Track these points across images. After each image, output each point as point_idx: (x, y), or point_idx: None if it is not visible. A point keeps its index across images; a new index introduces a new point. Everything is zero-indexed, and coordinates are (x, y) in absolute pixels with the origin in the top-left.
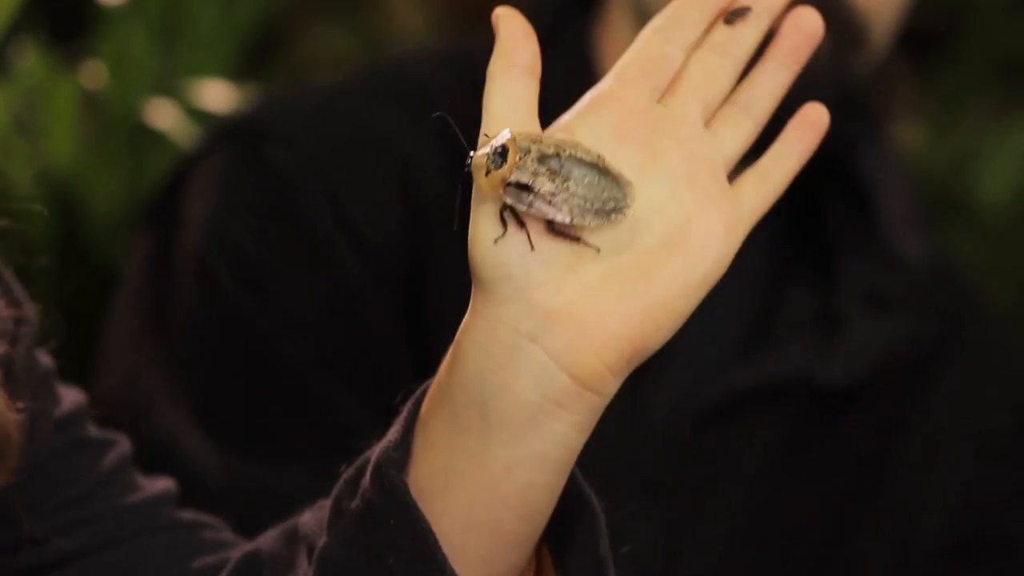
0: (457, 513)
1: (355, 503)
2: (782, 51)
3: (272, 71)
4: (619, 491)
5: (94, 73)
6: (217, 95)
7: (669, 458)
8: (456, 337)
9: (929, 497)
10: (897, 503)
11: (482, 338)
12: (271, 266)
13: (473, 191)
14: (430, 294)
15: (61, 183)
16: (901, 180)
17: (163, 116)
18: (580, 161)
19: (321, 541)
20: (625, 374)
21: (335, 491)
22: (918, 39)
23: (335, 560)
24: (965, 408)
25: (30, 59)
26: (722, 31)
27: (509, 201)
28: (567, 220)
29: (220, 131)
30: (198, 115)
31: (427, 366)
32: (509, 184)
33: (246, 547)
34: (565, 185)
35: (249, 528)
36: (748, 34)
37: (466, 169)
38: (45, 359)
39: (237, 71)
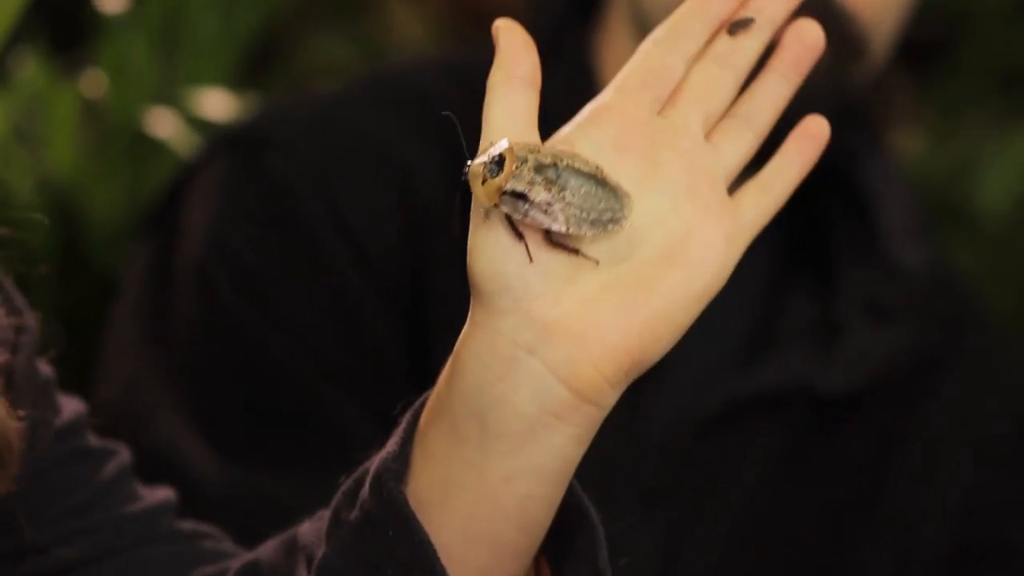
0: (456, 524)
1: (354, 514)
2: (784, 63)
3: (272, 80)
4: (618, 503)
5: (94, 82)
6: (217, 104)
7: (668, 467)
8: (455, 348)
9: (929, 505)
10: (897, 511)
11: (481, 350)
12: (271, 275)
13: (472, 202)
14: (430, 303)
15: (61, 192)
16: (901, 190)
17: (163, 125)
18: (577, 171)
19: (320, 552)
20: (624, 386)
21: (334, 502)
22: (918, 48)
23: (334, 571)
24: (965, 416)
25: (30, 68)
26: (724, 42)
27: (505, 210)
28: (563, 229)
29: (220, 140)
30: (198, 124)
31: (427, 375)
32: (505, 193)
33: (245, 557)
34: (562, 195)
35: (249, 537)
36: (750, 46)
37: (463, 178)
38: (45, 368)
39: (237, 80)
